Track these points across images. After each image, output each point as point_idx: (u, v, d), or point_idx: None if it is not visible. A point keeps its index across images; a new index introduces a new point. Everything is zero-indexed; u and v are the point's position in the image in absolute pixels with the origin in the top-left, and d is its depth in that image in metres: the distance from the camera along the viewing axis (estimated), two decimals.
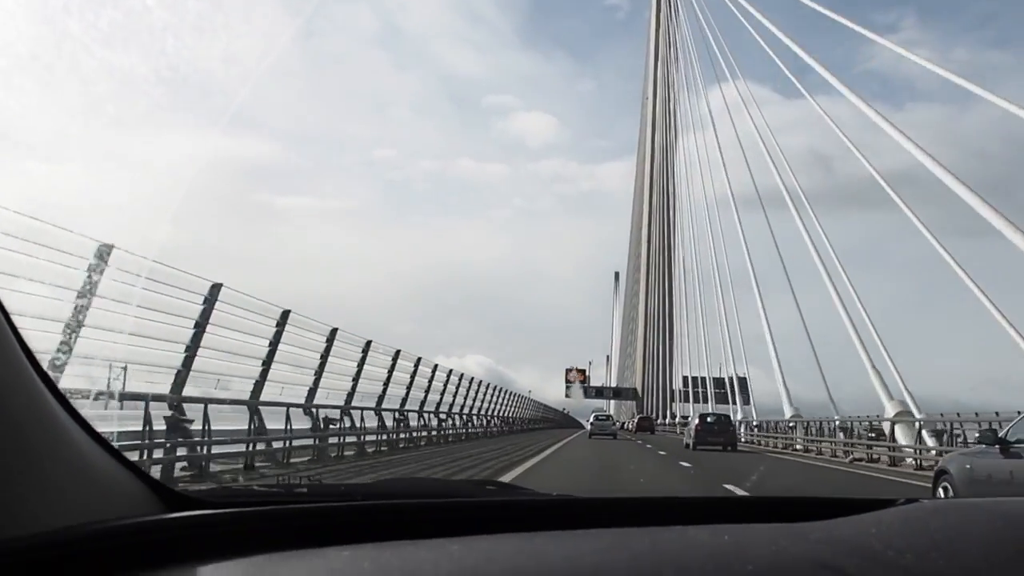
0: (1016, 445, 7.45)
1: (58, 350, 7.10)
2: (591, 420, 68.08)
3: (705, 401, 64.94)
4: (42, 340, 7.64)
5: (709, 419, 32.07)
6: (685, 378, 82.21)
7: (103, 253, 8.31)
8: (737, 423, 49.21)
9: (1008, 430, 7.92)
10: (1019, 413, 8.76)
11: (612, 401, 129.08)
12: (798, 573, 1.06)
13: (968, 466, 8.31)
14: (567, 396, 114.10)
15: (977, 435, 9.51)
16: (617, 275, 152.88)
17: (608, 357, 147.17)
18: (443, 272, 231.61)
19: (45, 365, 1.04)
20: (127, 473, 1.19)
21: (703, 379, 70.78)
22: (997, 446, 7.66)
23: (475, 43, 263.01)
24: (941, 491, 8.65)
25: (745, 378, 59.20)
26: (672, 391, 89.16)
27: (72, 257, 8.05)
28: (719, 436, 30.01)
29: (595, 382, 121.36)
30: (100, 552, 1.00)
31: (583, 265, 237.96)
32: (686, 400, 77.40)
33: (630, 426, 66.71)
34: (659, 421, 75.82)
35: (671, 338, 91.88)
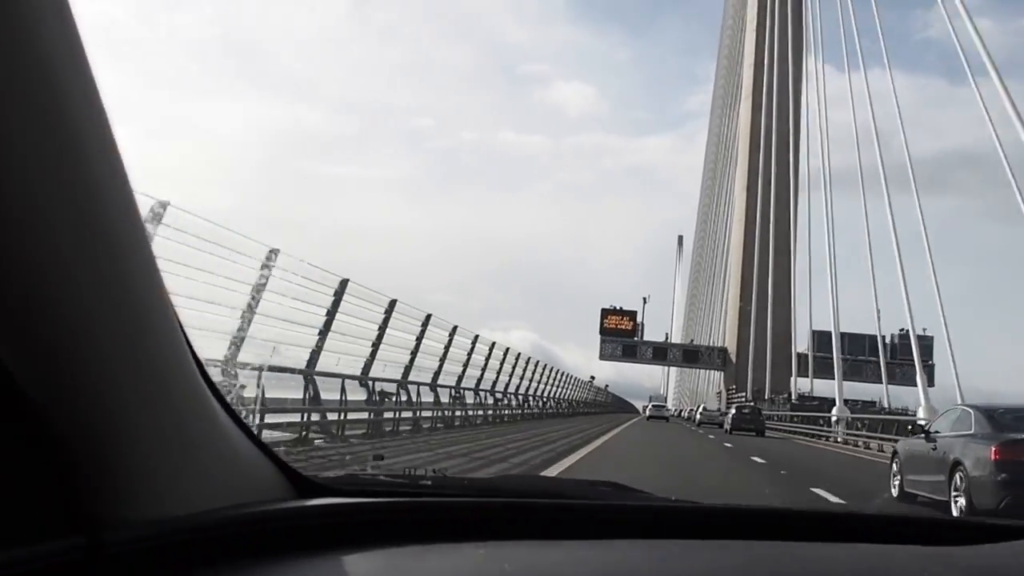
0: (933, 434, 10.74)
1: None
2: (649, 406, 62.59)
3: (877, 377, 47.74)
4: None
5: (744, 411, 41.88)
6: (815, 334, 57.08)
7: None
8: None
9: (931, 425, 11.47)
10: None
11: (673, 371, 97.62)
12: None
13: (907, 448, 11.86)
14: (602, 358, 69.86)
15: (910, 428, 13.48)
16: (681, 239, 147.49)
17: (667, 334, 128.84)
18: (486, 245, 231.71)
19: None
20: (264, 458, 1.21)
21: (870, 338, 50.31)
22: (923, 435, 11.11)
23: (523, 14, 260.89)
24: (894, 463, 12.07)
25: (931, 339, 45.60)
26: (798, 356, 60.94)
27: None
28: (750, 424, 38.86)
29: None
30: (241, 536, 1.03)
31: (632, 237, 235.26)
32: (817, 374, 55.22)
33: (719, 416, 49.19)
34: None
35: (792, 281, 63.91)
